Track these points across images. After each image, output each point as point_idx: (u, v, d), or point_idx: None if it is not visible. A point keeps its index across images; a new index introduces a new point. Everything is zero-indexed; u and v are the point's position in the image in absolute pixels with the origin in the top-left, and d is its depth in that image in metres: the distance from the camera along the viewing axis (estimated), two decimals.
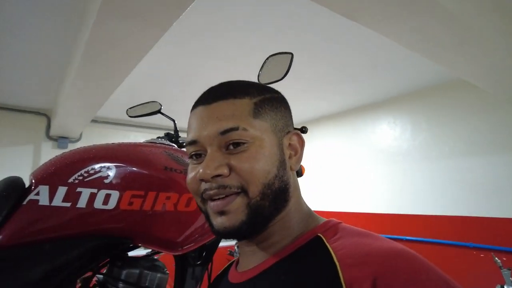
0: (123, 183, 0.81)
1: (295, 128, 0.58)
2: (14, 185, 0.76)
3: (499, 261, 2.22)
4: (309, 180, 3.93)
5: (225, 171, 0.48)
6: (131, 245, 0.90)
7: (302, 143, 0.56)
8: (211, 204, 0.50)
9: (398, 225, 3.23)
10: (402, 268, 0.40)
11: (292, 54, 0.87)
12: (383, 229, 3.30)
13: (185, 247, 0.92)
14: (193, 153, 0.52)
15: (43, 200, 0.74)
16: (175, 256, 1.01)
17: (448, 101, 3.01)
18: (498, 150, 2.64)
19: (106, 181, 0.80)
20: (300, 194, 0.56)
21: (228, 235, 0.50)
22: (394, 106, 3.48)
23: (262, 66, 0.96)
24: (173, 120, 1.31)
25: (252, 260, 0.55)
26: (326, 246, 0.47)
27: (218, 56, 2.50)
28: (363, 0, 1.22)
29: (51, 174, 0.78)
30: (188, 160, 0.56)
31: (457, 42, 1.51)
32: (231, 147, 0.49)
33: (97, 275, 0.91)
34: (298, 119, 4.19)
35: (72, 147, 3.94)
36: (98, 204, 0.78)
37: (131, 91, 3.12)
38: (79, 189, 0.77)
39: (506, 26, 1.47)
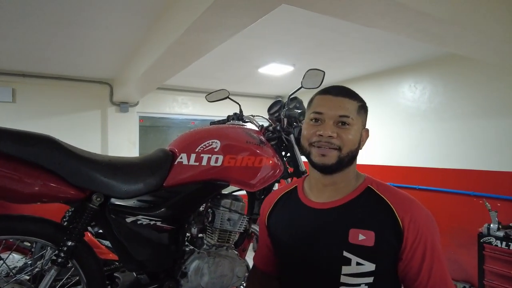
0: (224, 151, 1.41)
1: None
2: (168, 153, 1.37)
3: (489, 205, 2.73)
4: None
5: (335, 135, 0.87)
6: (226, 186, 1.51)
7: (367, 136, 0.96)
8: (317, 149, 0.88)
9: (414, 176, 3.75)
10: (420, 211, 0.84)
11: (324, 72, 1.37)
12: (400, 179, 3.83)
13: (257, 186, 1.52)
14: (313, 118, 0.91)
15: (185, 161, 1.36)
16: (248, 192, 1.62)
17: (464, 69, 3.33)
18: (504, 113, 3.01)
19: (216, 149, 1.39)
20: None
21: (322, 167, 0.89)
22: (415, 71, 3.82)
23: (304, 76, 1.47)
24: (239, 104, 1.86)
25: (325, 194, 0.93)
26: (380, 195, 0.88)
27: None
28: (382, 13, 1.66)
29: (186, 147, 1.38)
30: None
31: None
32: (340, 124, 0.88)
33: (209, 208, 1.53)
34: (331, 80, 4.57)
35: (131, 110, 4.65)
36: (212, 163, 1.38)
37: None
38: (202, 155, 1.38)
39: None
